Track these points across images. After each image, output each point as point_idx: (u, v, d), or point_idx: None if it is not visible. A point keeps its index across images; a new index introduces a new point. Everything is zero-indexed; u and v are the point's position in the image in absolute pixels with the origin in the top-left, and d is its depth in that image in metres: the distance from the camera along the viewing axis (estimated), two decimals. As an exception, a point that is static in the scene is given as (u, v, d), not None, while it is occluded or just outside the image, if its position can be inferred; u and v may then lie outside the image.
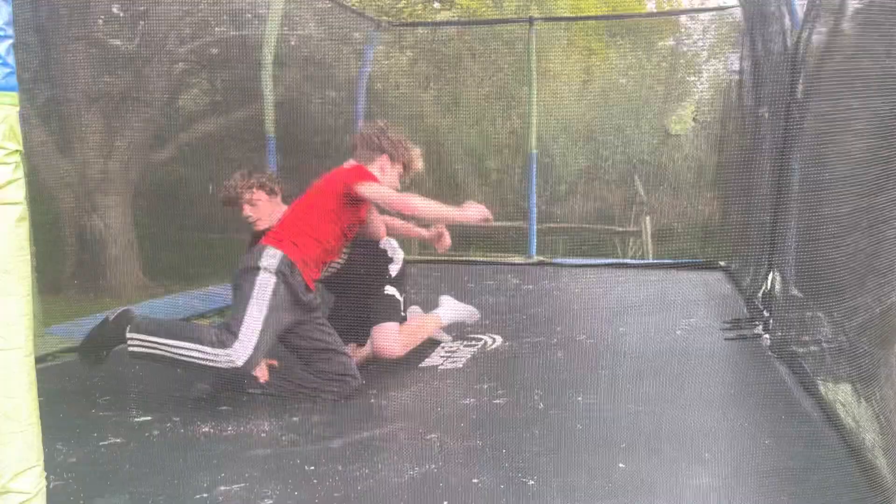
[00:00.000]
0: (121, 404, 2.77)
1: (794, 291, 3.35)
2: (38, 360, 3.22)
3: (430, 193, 7.95)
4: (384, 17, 6.90)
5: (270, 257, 2.80)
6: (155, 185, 7.13)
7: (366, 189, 2.92)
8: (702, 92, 7.09)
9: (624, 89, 7.10)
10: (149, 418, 2.62)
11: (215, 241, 5.89)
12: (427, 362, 3.39)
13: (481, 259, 6.23)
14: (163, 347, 2.70)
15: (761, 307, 3.91)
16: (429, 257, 6.03)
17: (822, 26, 3.28)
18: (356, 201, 2.97)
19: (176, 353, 2.68)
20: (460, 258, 6.26)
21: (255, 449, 2.37)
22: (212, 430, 2.52)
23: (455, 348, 3.60)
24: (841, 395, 2.52)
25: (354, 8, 5.86)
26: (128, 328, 2.74)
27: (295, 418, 2.65)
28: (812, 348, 2.98)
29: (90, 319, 4.00)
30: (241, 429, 2.55)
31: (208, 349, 2.66)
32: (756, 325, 3.76)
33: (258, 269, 2.78)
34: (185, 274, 5.91)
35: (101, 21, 6.07)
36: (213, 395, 2.86)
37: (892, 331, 2.01)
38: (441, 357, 3.45)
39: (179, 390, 2.92)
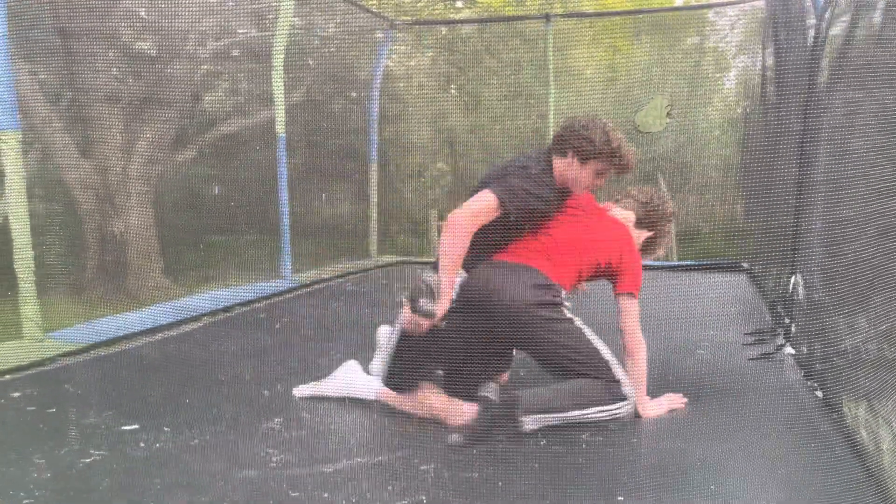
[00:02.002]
0: (111, 412, 2.71)
1: (818, 295, 3.20)
2: (34, 365, 3.24)
3: (451, 191, 7.88)
4: (403, 17, 6.82)
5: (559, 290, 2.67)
6: (176, 186, 7.16)
7: None
8: (728, 89, 6.92)
9: (647, 86, 6.93)
10: (135, 427, 2.56)
11: (232, 241, 5.89)
12: None
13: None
14: (563, 420, 2.56)
15: (784, 314, 3.74)
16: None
17: (846, 20, 3.14)
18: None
19: (579, 420, 2.56)
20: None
21: (243, 470, 2.28)
22: (198, 446, 2.45)
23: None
24: (862, 412, 2.38)
25: (369, 7, 5.79)
26: (517, 411, 2.53)
27: (286, 436, 2.56)
28: (835, 360, 2.83)
29: (107, 321, 4.02)
30: (229, 447, 2.46)
31: (610, 407, 2.57)
32: (778, 336, 3.59)
33: (559, 304, 2.64)
34: (206, 275, 5.91)
35: (124, 24, 6.11)
36: (467, 445, 2.52)
37: None
38: None
39: (176, 400, 2.87)
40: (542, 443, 2.48)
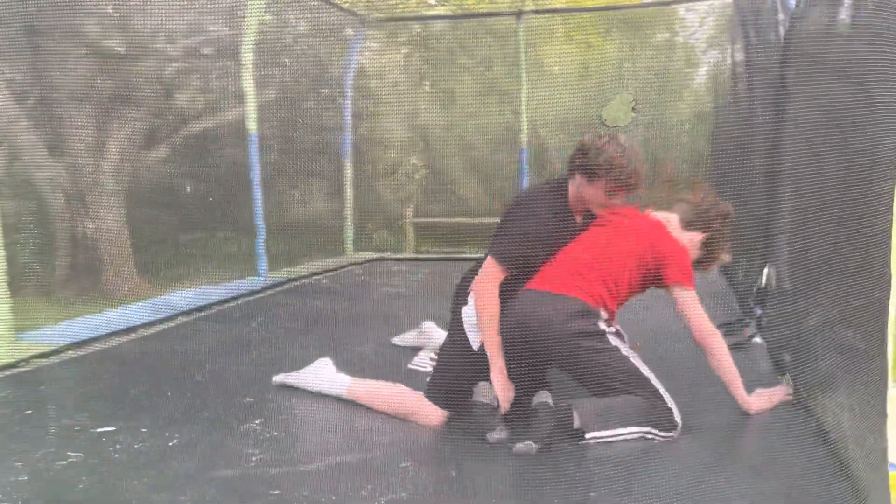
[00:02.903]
0: (86, 414, 2.69)
1: (786, 285, 3.27)
2: (8, 367, 3.20)
3: (426, 187, 7.89)
4: (376, 13, 6.81)
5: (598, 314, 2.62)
6: (149, 185, 7.07)
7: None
8: (698, 84, 7.00)
9: (619, 82, 6.98)
10: (112, 429, 2.55)
11: (207, 240, 5.84)
12: (417, 363, 3.32)
13: (474, 255, 6.14)
14: (618, 436, 2.50)
15: (754, 305, 3.82)
16: (421, 255, 5.98)
17: (814, 17, 3.21)
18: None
19: (637, 438, 2.51)
20: (453, 255, 6.19)
21: (220, 470, 2.28)
22: (177, 447, 2.44)
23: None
24: (828, 398, 2.45)
25: (339, 4, 5.78)
26: (575, 425, 2.49)
27: (266, 435, 2.57)
28: (802, 348, 2.90)
29: (80, 321, 3.97)
30: (208, 447, 2.46)
31: (663, 433, 2.50)
32: (748, 325, 3.66)
33: (601, 332, 2.58)
34: (179, 274, 5.85)
35: (92, 21, 6.01)
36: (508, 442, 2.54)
37: (870, 329, 1.94)
38: (431, 361, 3.34)
39: (153, 400, 2.86)
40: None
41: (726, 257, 2.96)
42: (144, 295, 5.93)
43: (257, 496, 2.09)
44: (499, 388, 2.56)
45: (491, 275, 2.65)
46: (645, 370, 2.58)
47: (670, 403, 2.54)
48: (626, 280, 2.68)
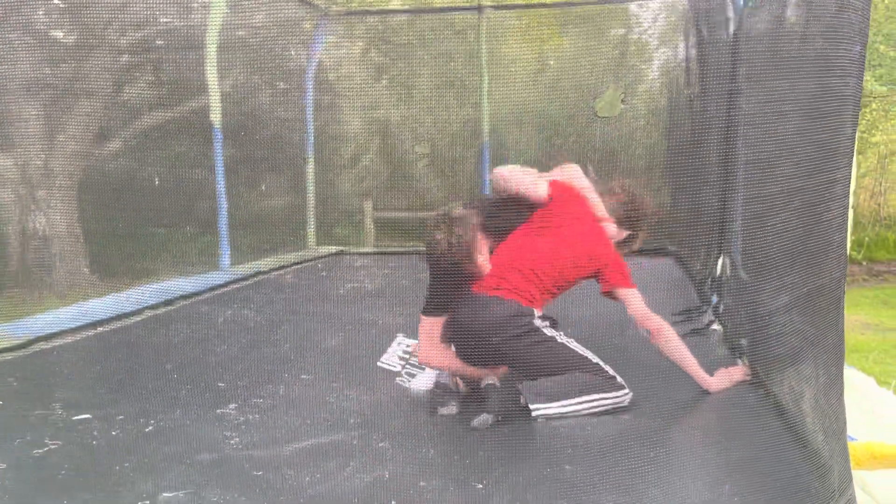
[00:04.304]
0: (58, 404, 2.67)
1: (741, 274, 3.40)
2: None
3: (385, 185, 7.91)
4: (334, 6, 6.79)
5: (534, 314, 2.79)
6: (101, 179, 6.93)
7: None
8: (651, 79, 7.16)
9: (575, 77, 7.10)
10: (88, 416, 2.53)
11: (162, 235, 5.75)
12: (386, 360, 3.37)
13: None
14: (567, 409, 2.65)
15: (711, 293, 3.96)
16: (383, 249, 6.01)
17: (763, 13, 3.34)
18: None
19: (583, 411, 2.66)
20: (414, 249, 6.23)
21: (201, 453, 2.30)
22: (154, 431, 2.45)
23: (413, 348, 3.55)
24: (784, 380, 2.57)
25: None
26: (522, 399, 2.67)
27: (242, 418, 2.58)
28: (758, 333, 3.02)
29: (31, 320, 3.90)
30: (187, 430, 2.47)
31: (611, 394, 2.69)
32: (705, 313, 3.80)
33: (536, 329, 2.76)
34: (134, 269, 5.76)
35: (41, 11, 5.87)
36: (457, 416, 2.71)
37: (826, 310, 2.05)
38: (400, 361, 3.39)
39: (122, 387, 2.84)
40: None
41: (636, 247, 3.15)
42: (102, 291, 5.82)
43: (239, 477, 2.11)
44: None
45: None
46: (583, 350, 2.78)
47: (612, 372, 2.74)
48: (562, 280, 2.87)
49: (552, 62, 7.13)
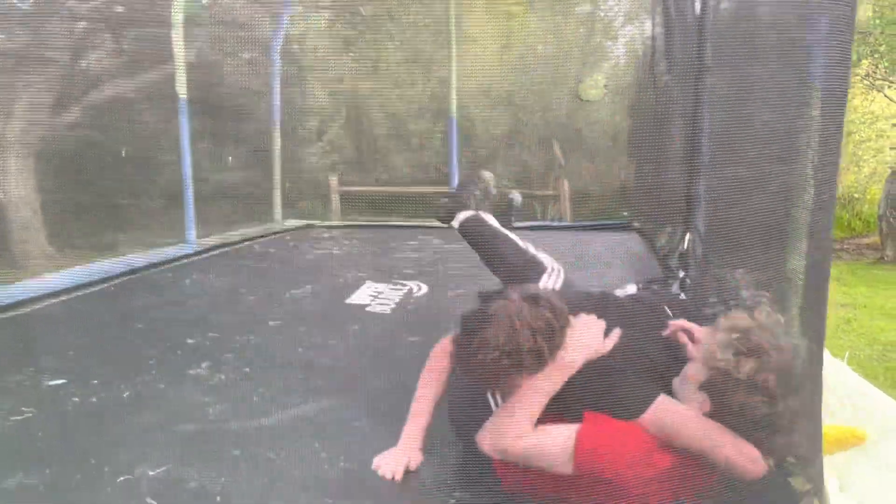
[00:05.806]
0: (33, 369, 2.64)
1: (705, 251, 3.49)
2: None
3: (350, 157, 7.87)
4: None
5: None
6: (60, 150, 6.77)
7: None
8: (617, 57, 7.24)
9: (542, 54, 7.15)
10: (63, 381, 2.51)
11: (124, 206, 5.67)
12: (355, 298, 3.49)
13: (404, 223, 6.23)
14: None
15: (676, 268, 4.05)
16: (351, 222, 6.02)
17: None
18: None
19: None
20: (383, 223, 6.27)
21: (181, 424, 2.28)
22: (132, 400, 2.43)
23: (382, 290, 3.77)
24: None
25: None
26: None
27: (216, 382, 2.59)
28: (720, 308, 3.11)
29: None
30: (164, 398, 2.47)
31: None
32: (672, 286, 3.89)
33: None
34: (94, 242, 5.67)
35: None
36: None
37: (819, 285, 2.10)
38: (370, 297, 3.63)
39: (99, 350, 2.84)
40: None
41: None
42: (65, 265, 5.72)
43: (217, 446, 2.13)
44: None
45: None
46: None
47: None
48: None
49: (519, 38, 7.16)
